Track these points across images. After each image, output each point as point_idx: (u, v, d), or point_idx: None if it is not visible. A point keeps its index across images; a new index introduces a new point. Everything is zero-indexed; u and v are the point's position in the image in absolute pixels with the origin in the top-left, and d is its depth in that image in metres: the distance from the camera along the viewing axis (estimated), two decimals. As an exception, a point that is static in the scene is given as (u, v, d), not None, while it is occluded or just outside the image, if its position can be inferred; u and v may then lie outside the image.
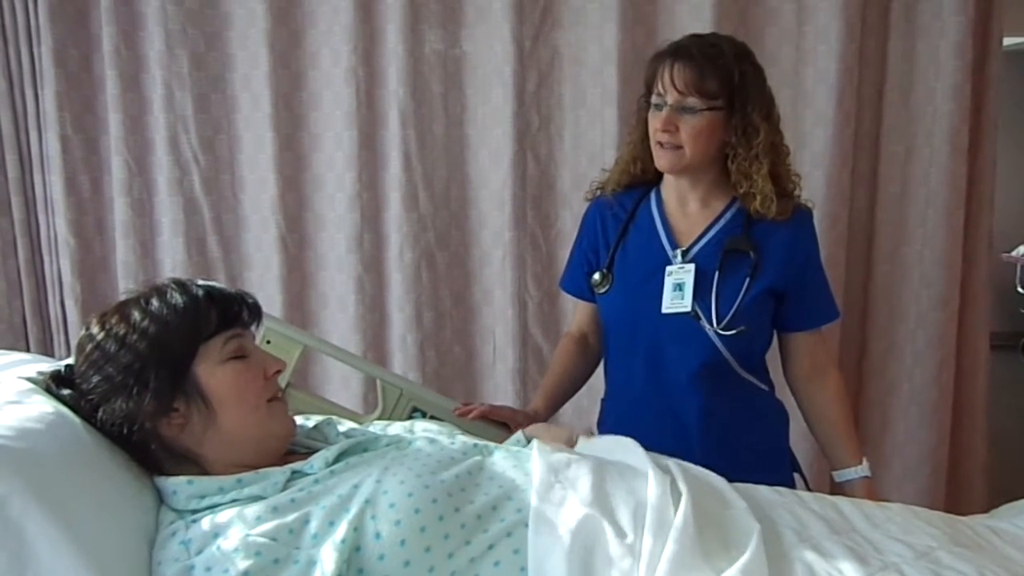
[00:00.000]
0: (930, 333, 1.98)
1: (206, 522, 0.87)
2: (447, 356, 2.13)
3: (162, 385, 0.93)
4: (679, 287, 1.35)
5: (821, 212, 1.83)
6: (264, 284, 2.11)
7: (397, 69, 2.00)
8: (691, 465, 1.06)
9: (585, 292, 1.51)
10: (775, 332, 1.44)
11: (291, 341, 1.39)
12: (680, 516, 0.89)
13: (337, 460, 0.97)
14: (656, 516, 0.90)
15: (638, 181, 1.45)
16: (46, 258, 2.11)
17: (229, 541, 0.83)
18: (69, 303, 2.10)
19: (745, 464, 1.20)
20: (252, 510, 0.87)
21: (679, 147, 1.32)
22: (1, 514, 0.77)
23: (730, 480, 1.06)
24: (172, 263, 2.10)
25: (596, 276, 1.45)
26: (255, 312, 1.03)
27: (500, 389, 2.11)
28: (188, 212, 2.09)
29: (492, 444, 1.09)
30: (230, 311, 0.99)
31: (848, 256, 1.99)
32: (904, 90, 1.96)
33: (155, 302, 0.96)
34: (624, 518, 0.91)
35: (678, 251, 1.38)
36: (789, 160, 1.39)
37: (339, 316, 2.13)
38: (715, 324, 1.33)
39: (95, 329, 0.97)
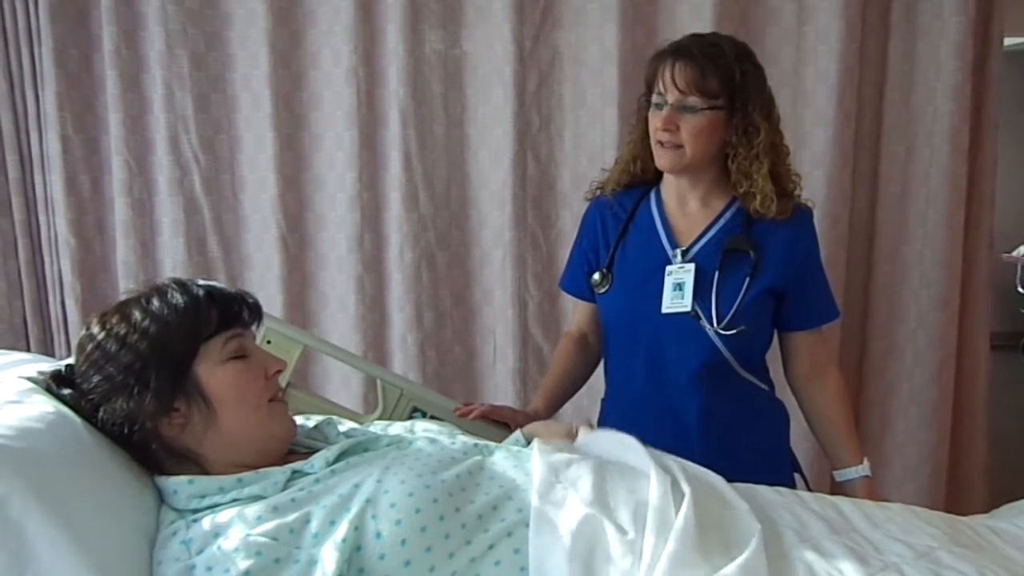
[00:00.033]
0: (930, 333, 1.98)
1: (207, 522, 0.87)
2: (447, 356, 2.13)
3: (163, 385, 0.93)
4: (679, 287, 1.35)
5: (822, 212, 1.83)
6: (264, 284, 2.11)
7: (397, 69, 2.00)
8: (691, 464, 1.06)
9: (585, 292, 1.51)
10: (775, 332, 1.44)
11: (291, 341, 1.39)
12: (681, 517, 0.89)
13: (338, 460, 0.97)
14: (657, 516, 0.90)
15: (638, 181, 1.46)
16: (47, 258, 2.12)
17: (230, 541, 0.83)
18: (69, 303, 2.10)
19: (745, 464, 1.20)
20: (253, 510, 0.87)
21: (680, 146, 1.32)
22: (1, 514, 0.77)
23: (730, 480, 1.06)
24: (172, 263, 2.10)
25: (596, 276, 1.45)
26: (255, 312, 1.03)
27: (500, 389, 2.11)
28: (188, 212, 2.09)
29: (492, 444, 1.09)
30: (231, 311, 0.99)
31: (848, 256, 1.99)
32: (905, 90, 1.96)
33: (156, 302, 0.96)
34: (625, 517, 0.91)
35: (678, 251, 1.38)
36: (789, 160, 1.39)
37: (339, 316, 2.13)
38: (715, 324, 1.33)
39: (96, 329, 0.97)
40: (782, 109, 1.39)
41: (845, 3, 1.86)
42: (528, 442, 1.20)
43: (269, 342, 1.36)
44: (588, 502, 0.91)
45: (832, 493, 1.27)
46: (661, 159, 1.35)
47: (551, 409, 1.50)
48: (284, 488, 0.92)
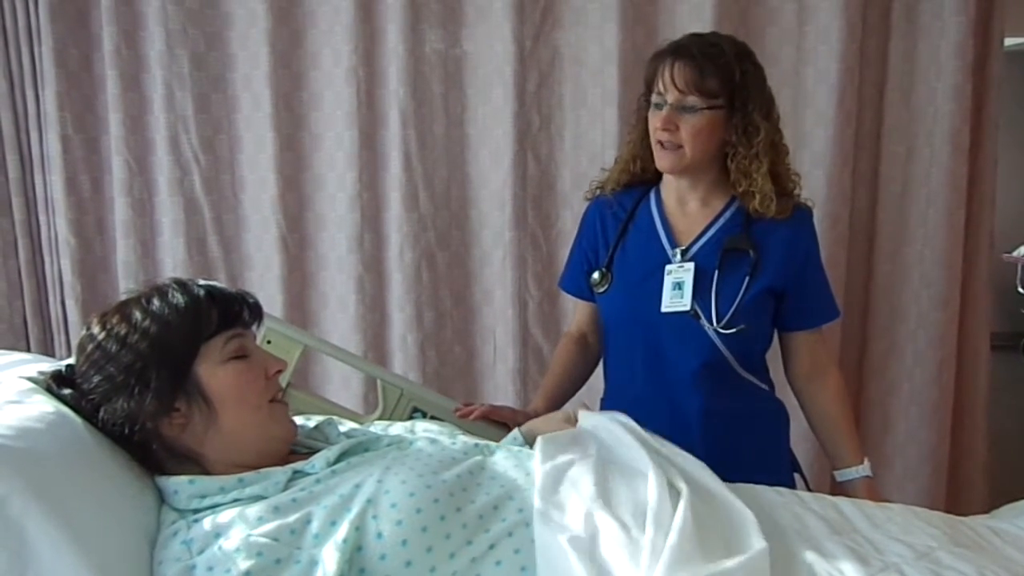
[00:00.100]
0: (931, 333, 1.98)
1: (208, 522, 0.87)
2: (447, 356, 2.13)
3: (163, 385, 0.93)
4: (678, 286, 1.35)
5: (822, 212, 1.83)
6: (264, 284, 2.11)
7: (398, 69, 2.00)
8: (688, 457, 1.05)
9: (585, 292, 1.51)
10: (776, 332, 1.44)
11: (292, 341, 1.39)
12: (680, 514, 0.89)
13: (338, 460, 0.97)
14: (656, 513, 0.90)
15: (638, 180, 1.46)
16: (47, 258, 2.11)
17: (231, 541, 0.83)
18: (70, 303, 2.10)
19: (745, 464, 1.20)
20: (254, 510, 0.87)
21: (679, 146, 1.32)
22: (1, 514, 0.78)
23: (731, 480, 1.06)
24: (173, 263, 2.10)
25: (595, 275, 1.45)
26: (256, 312, 1.03)
27: (500, 389, 2.11)
28: (189, 212, 2.09)
29: (493, 444, 1.09)
30: (231, 311, 0.99)
31: (849, 256, 1.99)
32: (905, 90, 1.96)
33: (156, 302, 0.96)
34: (626, 514, 0.91)
35: (677, 250, 1.38)
36: (788, 159, 1.39)
37: (339, 316, 2.13)
38: (715, 323, 1.33)
39: (96, 329, 0.97)
40: (782, 109, 1.39)
41: (845, 3, 1.86)
42: (526, 440, 1.20)
43: (269, 342, 1.36)
44: (591, 499, 0.92)
45: (832, 493, 1.27)
46: (661, 160, 1.35)
47: (551, 409, 1.49)
48: (285, 488, 0.92)
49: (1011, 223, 4.48)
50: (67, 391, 0.97)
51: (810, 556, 0.94)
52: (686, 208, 1.41)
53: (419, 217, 2.06)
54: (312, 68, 2.06)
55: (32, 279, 2.12)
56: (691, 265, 1.35)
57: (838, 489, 1.40)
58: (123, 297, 1.01)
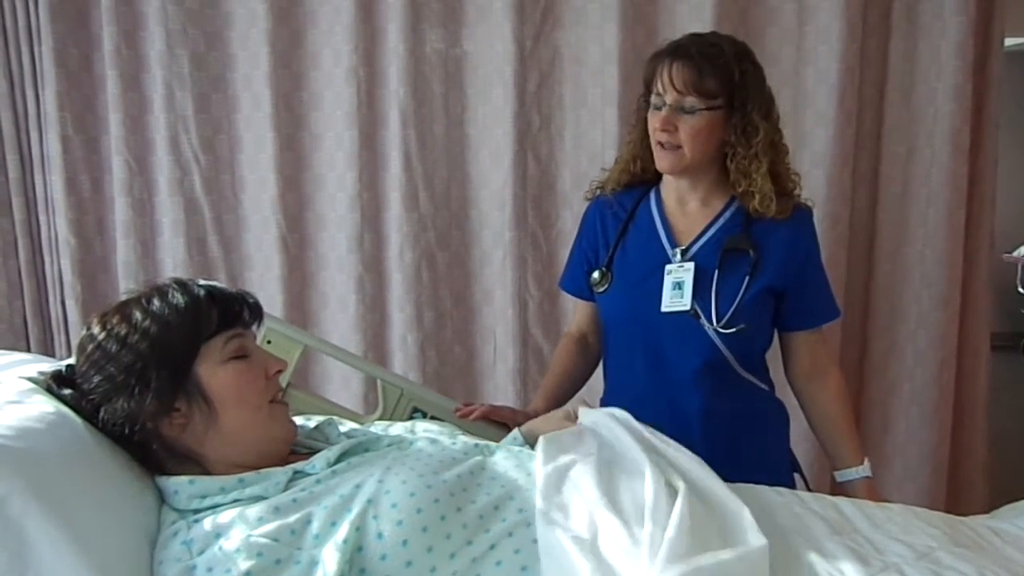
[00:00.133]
0: (931, 333, 1.98)
1: (208, 522, 0.87)
2: (447, 356, 2.13)
3: (163, 385, 0.93)
4: (678, 286, 1.35)
5: (822, 212, 1.83)
6: (265, 284, 2.11)
7: (398, 69, 2.00)
8: (684, 453, 1.05)
9: (585, 291, 1.51)
10: (776, 332, 1.44)
11: (292, 341, 1.39)
12: (677, 511, 0.89)
13: (339, 460, 0.97)
14: (653, 512, 0.90)
15: (638, 180, 1.46)
16: (47, 258, 2.11)
17: (231, 541, 0.83)
18: (70, 303, 2.10)
19: (745, 464, 1.20)
20: (254, 510, 0.87)
21: (678, 147, 1.32)
22: (1, 514, 0.77)
23: (731, 480, 1.06)
24: (173, 263, 2.10)
25: (595, 275, 1.45)
26: (256, 312, 1.03)
27: (500, 389, 2.11)
28: (189, 212, 2.09)
29: (493, 444, 1.09)
30: (231, 311, 0.99)
31: (849, 256, 1.99)
32: (905, 90, 1.96)
33: (156, 302, 0.96)
34: (628, 512, 0.91)
35: (677, 250, 1.38)
36: (788, 159, 1.39)
37: (339, 316, 2.13)
38: (714, 322, 1.33)
39: (96, 329, 0.97)
40: (782, 109, 1.39)
41: (846, 3, 1.86)
42: (526, 440, 1.20)
43: (269, 342, 1.36)
44: (593, 499, 0.92)
45: (832, 493, 1.27)
46: (661, 160, 1.35)
47: (551, 409, 1.48)
48: (285, 488, 0.92)
49: (1011, 223, 4.48)
50: (67, 391, 0.97)
51: (811, 556, 0.94)
52: (686, 208, 1.41)
53: (419, 217, 2.06)
54: (312, 68, 2.06)
55: (32, 279, 2.12)
56: (691, 265, 1.35)
57: (838, 489, 1.40)
58: (123, 297, 1.01)
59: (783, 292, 1.37)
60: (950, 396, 2.01)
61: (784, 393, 1.48)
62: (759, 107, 1.31)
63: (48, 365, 1.09)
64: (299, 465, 0.95)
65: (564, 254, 1.75)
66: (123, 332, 0.94)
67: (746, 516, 0.92)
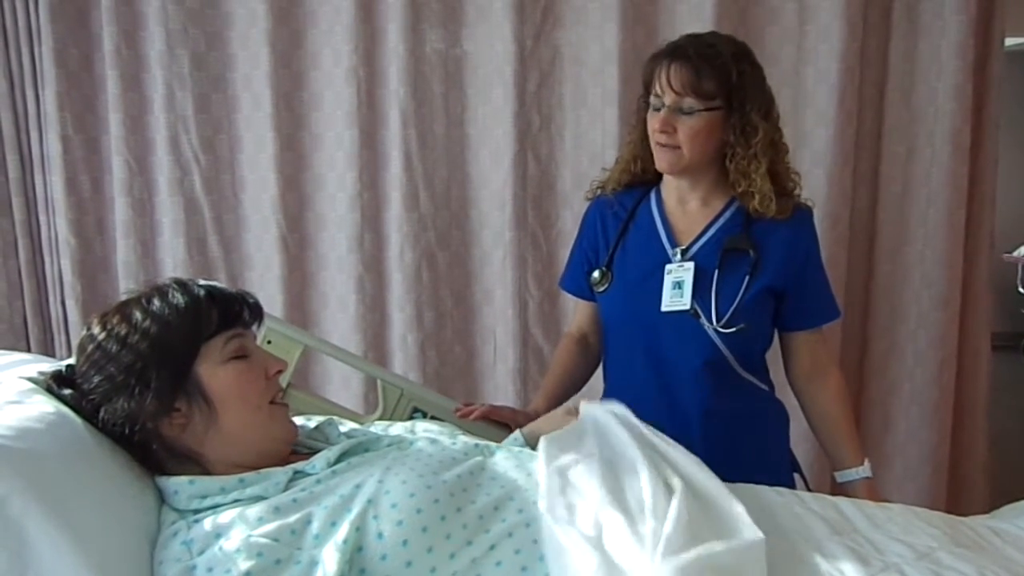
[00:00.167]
0: (931, 333, 1.98)
1: (208, 522, 0.87)
2: (448, 356, 2.13)
3: (163, 385, 0.93)
4: (678, 285, 1.35)
5: (822, 212, 1.83)
6: (265, 284, 2.11)
7: (398, 69, 2.00)
8: (680, 451, 1.05)
9: (585, 291, 1.51)
10: (776, 332, 1.44)
11: (292, 341, 1.39)
12: (674, 507, 0.89)
13: (339, 460, 0.97)
14: (652, 510, 0.90)
15: (639, 180, 1.46)
16: (47, 258, 2.11)
17: (231, 541, 0.83)
18: (70, 303, 2.10)
19: (745, 464, 1.20)
20: (254, 510, 0.87)
21: (677, 147, 1.32)
22: (1, 514, 0.77)
23: (730, 480, 1.06)
24: (173, 263, 2.10)
25: (595, 274, 1.45)
26: (256, 312, 1.03)
27: (500, 389, 2.11)
28: (189, 212, 2.09)
29: (493, 444, 1.09)
30: (231, 311, 0.99)
31: (849, 256, 1.99)
32: (905, 90, 1.96)
33: (156, 302, 0.96)
34: (630, 508, 0.91)
35: (678, 250, 1.38)
36: (788, 158, 1.39)
37: (340, 316, 2.13)
38: (714, 322, 1.33)
39: (96, 329, 0.97)
40: (782, 108, 1.39)
41: (846, 3, 1.86)
42: (528, 442, 1.20)
43: (270, 342, 1.36)
44: (596, 498, 0.92)
45: (833, 494, 1.27)
46: (660, 161, 1.35)
47: (551, 409, 1.49)
48: (285, 489, 0.92)
49: (1011, 223, 4.48)
50: (67, 391, 0.97)
51: (811, 556, 0.94)
52: (686, 208, 1.41)
53: (419, 217, 2.06)
54: (312, 68, 2.06)
55: (32, 279, 2.12)
56: (691, 264, 1.35)
57: (838, 490, 1.40)
58: (123, 297, 1.01)
59: (783, 292, 1.37)
60: (950, 396, 2.01)
61: (784, 393, 1.48)
62: (758, 107, 1.31)
63: (48, 365, 1.09)
64: (299, 465, 0.95)
65: (564, 254, 1.75)
66: (123, 332, 0.94)
67: (741, 513, 0.92)
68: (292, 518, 0.86)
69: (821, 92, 1.91)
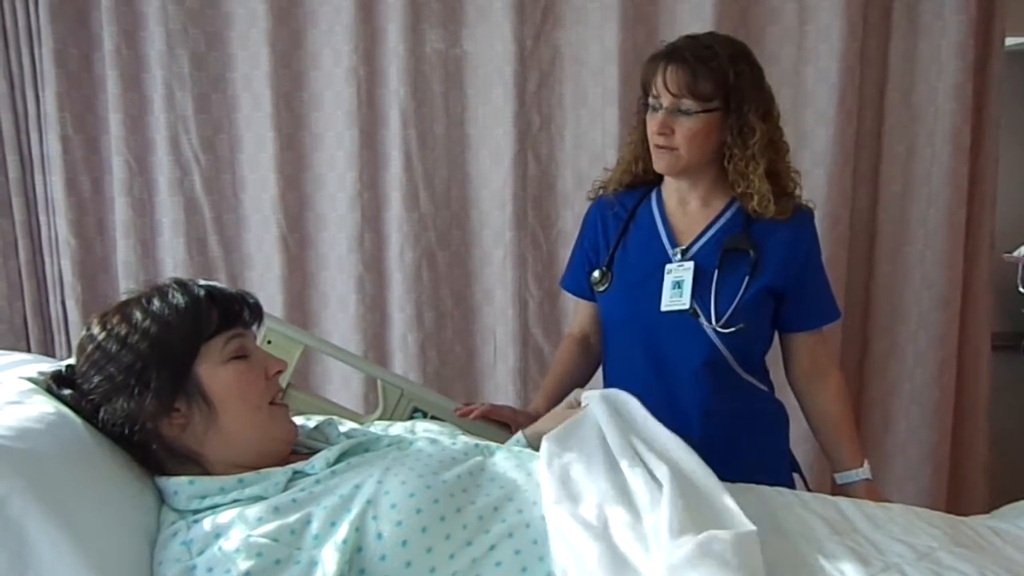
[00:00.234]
0: (931, 333, 1.98)
1: (208, 522, 0.87)
2: (448, 356, 2.13)
3: (163, 385, 0.93)
4: (678, 285, 1.35)
5: (822, 212, 1.83)
6: (265, 284, 2.11)
7: (398, 69, 2.00)
8: (680, 447, 1.05)
9: (586, 291, 1.51)
10: (776, 333, 1.44)
11: (292, 341, 1.39)
12: (667, 499, 0.89)
13: (338, 460, 0.97)
14: (652, 504, 0.91)
15: (640, 181, 1.46)
16: (47, 258, 2.11)
17: (231, 542, 0.83)
18: (70, 303, 2.10)
19: (745, 464, 1.20)
20: (253, 510, 0.87)
21: (675, 149, 1.32)
22: (1, 514, 0.77)
23: (730, 480, 1.06)
24: (173, 263, 2.10)
25: (596, 274, 1.45)
26: (256, 312, 1.03)
27: (501, 389, 2.11)
28: (189, 212, 2.09)
29: (493, 444, 1.09)
30: (231, 311, 0.99)
31: (849, 256, 1.99)
32: (906, 90, 1.95)
33: (156, 302, 0.96)
34: (634, 502, 0.92)
35: (678, 250, 1.38)
36: (788, 158, 1.39)
37: (340, 316, 2.13)
38: (714, 322, 1.33)
39: (96, 329, 0.97)
40: (782, 108, 1.39)
41: (846, 2, 1.86)
42: (530, 444, 1.20)
43: (270, 342, 1.36)
44: (600, 491, 0.93)
45: (833, 494, 1.27)
46: (658, 162, 1.36)
47: (551, 409, 1.49)
48: (285, 489, 0.92)
49: (1012, 223, 4.47)
50: (67, 391, 0.97)
51: (812, 557, 0.94)
52: (687, 208, 1.41)
53: (419, 217, 2.06)
54: (312, 68, 2.06)
55: (32, 279, 2.12)
56: (691, 264, 1.35)
57: (838, 491, 1.40)
58: (123, 297, 1.01)
59: (783, 293, 1.37)
60: (951, 396, 2.01)
61: (784, 394, 1.48)
62: (756, 108, 1.31)
63: (48, 365, 1.09)
64: (299, 465, 0.95)
65: (564, 254, 1.75)
66: (123, 332, 0.94)
67: (733, 507, 0.92)
68: (291, 518, 0.86)
69: (821, 92, 1.91)
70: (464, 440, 1.10)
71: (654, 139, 1.33)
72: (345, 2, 1.99)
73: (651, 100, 1.33)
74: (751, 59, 1.34)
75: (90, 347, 0.96)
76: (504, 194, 2.04)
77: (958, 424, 2.05)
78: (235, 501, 0.90)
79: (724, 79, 1.28)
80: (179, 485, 0.92)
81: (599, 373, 1.55)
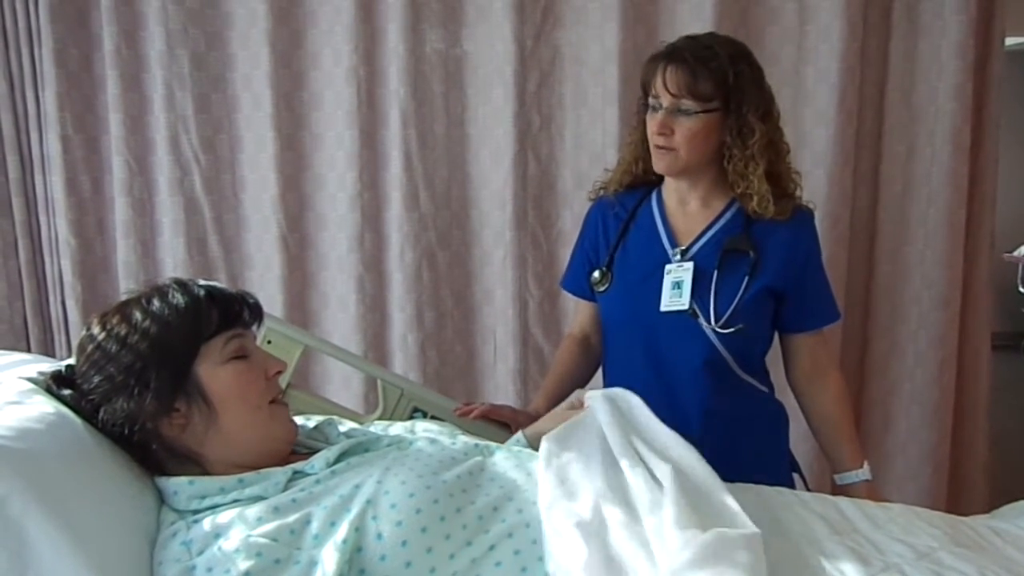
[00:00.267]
0: (931, 333, 1.98)
1: (207, 522, 0.87)
2: (448, 356, 2.13)
3: (163, 385, 0.93)
4: (678, 285, 1.35)
5: (823, 212, 1.83)
6: (265, 284, 2.11)
7: (398, 69, 2.00)
8: (681, 446, 1.05)
9: (586, 291, 1.51)
10: (776, 333, 1.44)
11: (292, 341, 1.39)
12: (671, 499, 0.89)
13: (338, 460, 0.97)
14: (650, 507, 0.90)
15: (640, 181, 1.46)
16: (47, 258, 2.11)
17: (230, 542, 0.83)
18: (70, 303, 2.10)
19: (745, 464, 1.20)
20: (253, 510, 0.87)
21: (674, 149, 1.32)
22: (1, 514, 0.77)
23: (730, 480, 1.06)
24: (173, 263, 2.10)
25: (595, 274, 1.45)
26: (256, 312, 1.03)
27: (501, 389, 2.11)
28: (189, 212, 2.09)
29: (493, 444, 1.09)
30: (231, 311, 0.99)
31: (850, 256, 1.99)
32: (906, 90, 1.95)
33: (156, 302, 0.96)
34: (633, 503, 0.92)
35: (678, 250, 1.38)
36: (789, 158, 1.39)
37: (340, 316, 2.13)
38: (713, 322, 1.33)
39: (96, 329, 0.97)
40: (782, 108, 1.39)
41: (846, 2, 1.86)
42: (530, 444, 1.20)
43: (270, 342, 1.36)
44: (598, 492, 0.93)
45: (832, 495, 1.26)
46: (657, 163, 1.36)
47: (552, 409, 1.49)
48: (285, 489, 0.92)
49: (1012, 223, 4.47)
50: (67, 391, 0.97)
51: (813, 557, 0.94)
52: (687, 208, 1.41)
53: (420, 217, 2.06)
54: (312, 68, 2.06)
55: (32, 279, 2.12)
56: (690, 264, 1.36)
57: (838, 491, 1.40)
58: (123, 297, 1.01)
59: (783, 293, 1.37)
60: (951, 396, 2.01)
61: (784, 395, 1.48)
62: (755, 108, 1.31)
63: (48, 365, 1.09)
64: (298, 465, 0.95)
65: (564, 254, 1.75)
66: (123, 332, 0.94)
67: (736, 508, 0.92)
68: (291, 518, 0.86)
69: (821, 92, 1.91)
70: (464, 440, 1.10)
71: (654, 139, 1.33)
72: (345, 2, 1.99)
73: (651, 100, 1.33)
74: (751, 59, 1.34)
75: (90, 347, 0.96)
76: (504, 194, 2.04)
77: (958, 424, 2.05)
78: (235, 501, 0.90)
79: (724, 79, 1.28)
80: (179, 485, 0.92)
81: (599, 373, 1.55)
